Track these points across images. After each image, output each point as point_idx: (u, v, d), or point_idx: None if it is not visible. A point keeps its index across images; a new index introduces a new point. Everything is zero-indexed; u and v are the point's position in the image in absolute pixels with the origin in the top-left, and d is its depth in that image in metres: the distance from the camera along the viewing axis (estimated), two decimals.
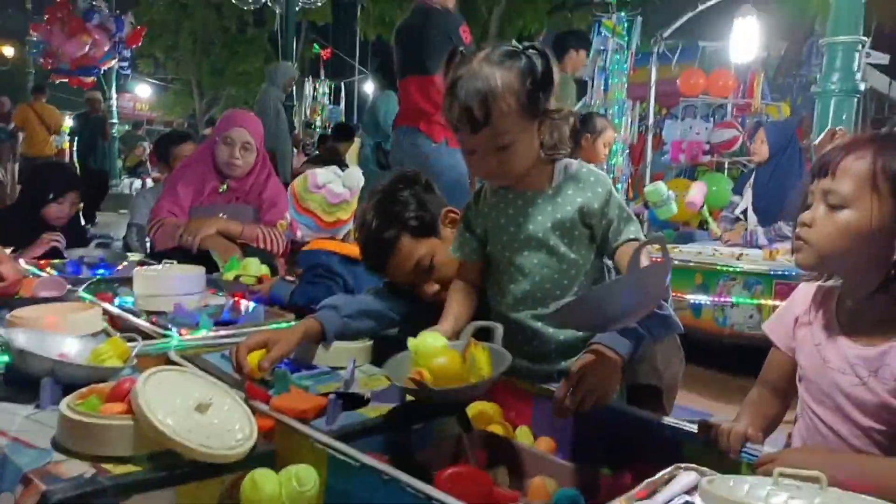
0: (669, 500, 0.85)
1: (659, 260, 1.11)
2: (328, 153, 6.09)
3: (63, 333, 1.28)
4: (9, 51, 18.34)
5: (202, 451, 0.87)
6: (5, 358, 1.16)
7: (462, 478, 0.97)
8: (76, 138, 9.45)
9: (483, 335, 1.20)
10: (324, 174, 2.00)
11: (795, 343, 1.18)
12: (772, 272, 3.13)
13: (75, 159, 9.99)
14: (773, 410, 1.22)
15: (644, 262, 1.11)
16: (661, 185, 3.98)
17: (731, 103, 5.93)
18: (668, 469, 0.95)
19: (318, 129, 11.64)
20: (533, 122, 1.22)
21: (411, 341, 1.10)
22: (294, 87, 7.90)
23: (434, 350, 1.08)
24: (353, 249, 2.01)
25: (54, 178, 2.95)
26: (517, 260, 1.32)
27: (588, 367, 1.16)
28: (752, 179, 4.17)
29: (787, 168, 3.93)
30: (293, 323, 1.58)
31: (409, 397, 1.18)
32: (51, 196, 2.84)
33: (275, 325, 1.61)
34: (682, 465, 0.96)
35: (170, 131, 5.46)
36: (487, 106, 1.15)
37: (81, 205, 3.13)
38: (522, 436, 1.23)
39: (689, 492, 0.88)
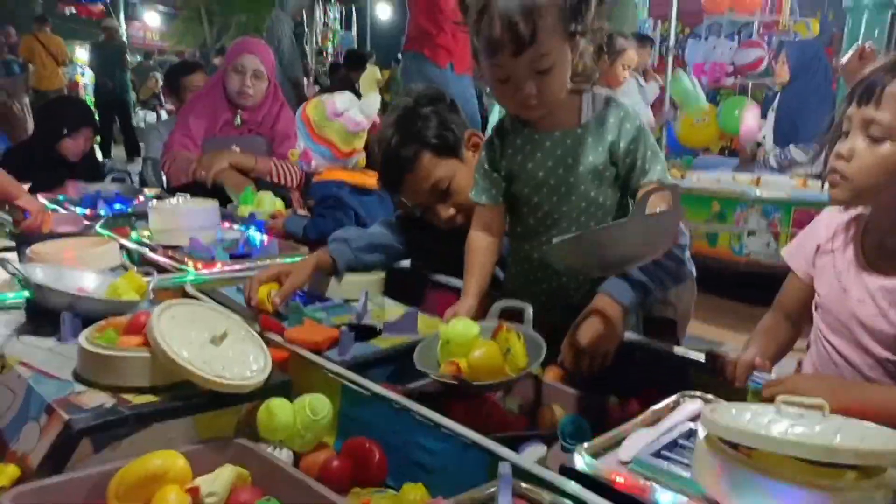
0: (673, 427, 0.87)
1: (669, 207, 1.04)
2: (341, 83, 5.97)
3: (81, 268, 1.30)
4: None
5: (217, 381, 0.89)
6: (26, 293, 1.19)
7: (470, 406, 1.00)
8: (93, 69, 9.33)
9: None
10: (343, 100, 1.93)
11: (815, 271, 1.16)
12: (791, 199, 3.07)
13: (91, 92, 9.91)
14: (785, 337, 1.23)
15: (656, 206, 1.04)
16: (683, 75, 3.83)
17: (757, 20, 5.65)
18: (674, 397, 0.96)
19: (330, 57, 11.37)
20: (571, 43, 1.09)
21: (443, 329, 1.04)
22: (304, 14, 7.69)
23: (467, 340, 1.02)
24: (363, 178, 1.99)
25: (68, 113, 2.94)
26: (545, 206, 1.24)
27: (589, 329, 1.14)
28: (775, 102, 4.05)
29: (811, 90, 3.79)
30: (306, 256, 1.59)
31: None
32: (65, 132, 2.83)
33: (289, 259, 1.63)
34: (688, 392, 0.98)
35: (180, 61, 5.32)
36: (534, 22, 1.03)
37: (98, 138, 3.12)
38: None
39: (693, 419, 0.90)
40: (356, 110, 1.92)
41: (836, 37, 5.14)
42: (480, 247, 1.26)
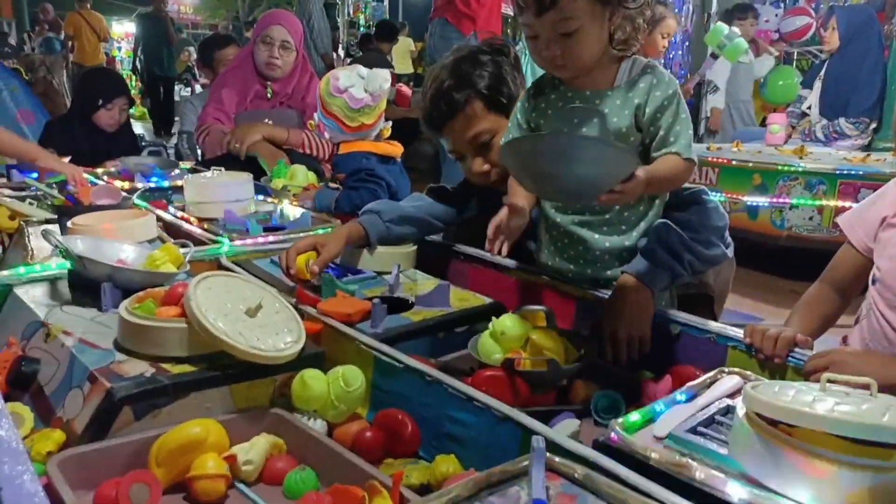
0: (710, 404, 0.85)
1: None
2: (372, 55, 5.94)
3: (120, 240, 1.33)
4: None
5: (252, 352, 0.91)
6: (68, 264, 1.21)
7: (499, 380, 0.99)
8: (137, 43, 9.14)
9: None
10: (346, 77, 1.94)
11: (876, 244, 1.12)
12: (837, 171, 2.97)
13: (128, 66, 9.98)
14: (831, 309, 1.19)
15: (662, 167, 1.09)
16: (719, 23, 3.70)
17: None
18: (711, 373, 0.95)
19: (362, 28, 11.30)
20: (605, 10, 1.11)
21: (496, 323, 1.06)
22: None
23: (520, 333, 1.05)
24: (388, 149, 2.00)
25: (102, 84, 2.98)
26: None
27: (617, 318, 1.15)
28: (822, 71, 3.89)
29: (862, 58, 3.63)
30: (338, 227, 1.59)
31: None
32: (100, 102, 2.87)
33: (322, 231, 1.63)
34: (726, 369, 0.96)
35: (212, 34, 5.34)
36: None
37: (132, 110, 3.16)
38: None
39: (730, 395, 0.88)
40: (358, 88, 1.92)
41: (889, 1, 4.90)
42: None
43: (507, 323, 1.06)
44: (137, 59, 9.34)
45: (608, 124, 1.18)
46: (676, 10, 5.20)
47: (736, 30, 3.58)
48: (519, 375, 1.00)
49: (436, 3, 3.62)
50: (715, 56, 3.71)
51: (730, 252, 1.32)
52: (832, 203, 2.95)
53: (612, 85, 1.19)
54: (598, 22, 1.11)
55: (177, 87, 12.51)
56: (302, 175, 2.17)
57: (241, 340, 0.91)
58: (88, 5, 9.11)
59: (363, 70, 1.95)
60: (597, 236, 1.28)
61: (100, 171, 2.44)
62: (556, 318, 1.17)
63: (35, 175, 2.27)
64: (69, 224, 1.46)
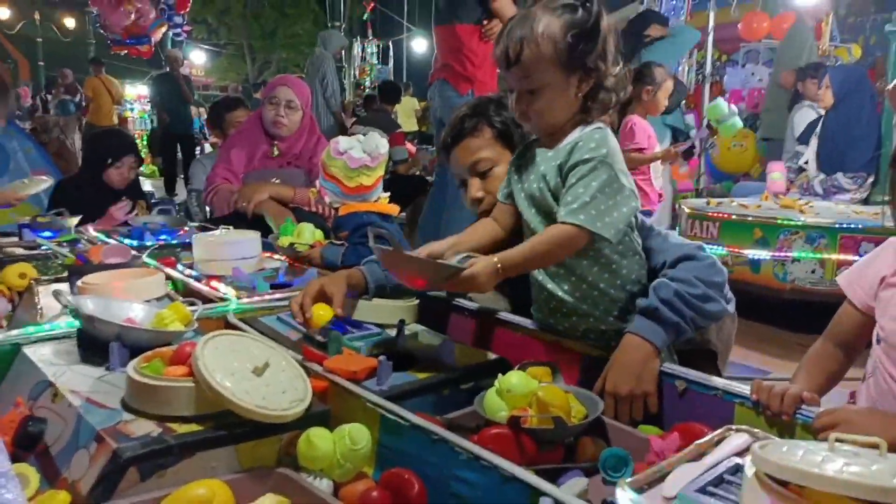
0: (718, 463, 0.84)
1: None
2: (377, 114, 6.10)
3: (129, 299, 1.34)
4: (70, 22, 18.91)
5: (259, 411, 0.91)
6: (77, 323, 1.23)
7: (506, 437, 0.99)
8: (154, 103, 9.12)
9: None
10: (346, 141, 2.04)
11: (877, 302, 1.12)
12: (837, 225, 2.99)
13: (139, 126, 10.16)
14: (836, 366, 1.19)
15: (530, 243, 1.20)
16: (720, 100, 3.83)
17: None
18: (719, 430, 0.94)
19: (366, 90, 11.61)
20: (569, 76, 1.21)
21: (501, 380, 1.07)
22: (343, 51, 7.95)
23: (528, 392, 1.05)
24: (387, 208, 2.06)
25: (111, 143, 3.05)
26: (525, 216, 1.32)
27: (621, 375, 1.18)
28: (819, 127, 3.97)
29: (855, 114, 3.72)
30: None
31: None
32: (109, 161, 2.93)
33: None
34: (734, 426, 0.95)
35: (222, 98, 5.47)
36: (521, 47, 1.19)
37: (143, 168, 3.21)
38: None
39: (739, 454, 0.88)
40: (357, 149, 2.01)
41: (879, 61, 5.04)
42: (482, 224, 1.39)
43: (512, 380, 1.06)
44: (154, 118, 9.51)
45: (546, 183, 1.26)
46: (674, 71, 5.35)
47: (735, 108, 3.73)
48: (525, 433, 0.99)
49: (434, 65, 3.77)
50: (710, 127, 3.85)
51: (731, 307, 1.34)
52: (834, 256, 2.96)
53: (558, 146, 1.27)
54: (561, 85, 1.21)
55: None
56: (309, 233, 2.20)
57: (247, 399, 0.91)
58: (103, 70, 9.48)
59: (361, 136, 2.04)
60: (559, 293, 1.33)
61: (114, 237, 2.47)
62: (562, 375, 1.17)
63: (47, 234, 2.31)
64: (79, 283, 1.48)
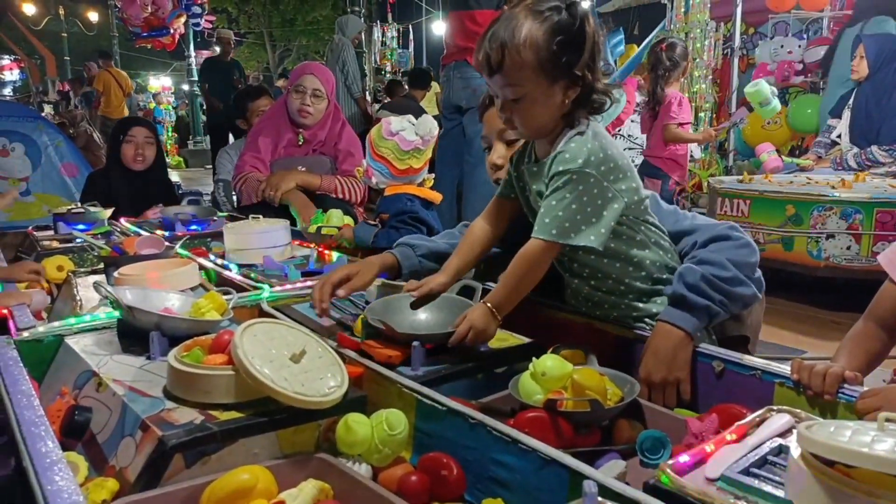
0: (761, 444, 0.83)
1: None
2: (403, 100, 6.08)
3: (165, 289, 1.36)
4: (94, 16, 19.14)
5: (298, 398, 0.92)
6: (117, 314, 1.25)
7: (542, 421, 0.99)
8: (203, 89, 8.32)
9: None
10: (398, 122, 2.03)
11: None
12: (873, 199, 2.92)
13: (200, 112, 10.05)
14: (878, 346, 1.17)
15: (511, 271, 1.19)
16: (763, 83, 3.75)
17: (827, 16, 5.43)
18: (760, 411, 0.93)
19: (387, 75, 11.57)
20: (554, 83, 1.15)
21: (536, 364, 1.06)
22: (363, 35, 7.91)
23: (563, 374, 1.05)
24: (430, 194, 2.06)
25: (120, 122, 3.10)
26: (530, 220, 1.30)
27: (654, 363, 1.19)
28: (851, 100, 3.85)
29: (891, 85, 3.60)
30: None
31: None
32: (121, 138, 2.95)
33: None
34: (775, 407, 0.94)
35: (246, 87, 5.43)
36: (502, 54, 1.13)
37: (169, 160, 3.23)
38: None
39: (782, 434, 0.86)
40: (409, 131, 2.01)
41: None
42: (475, 234, 1.38)
43: (547, 363, 1.06)
44: (201, 102, 9.37)
45: (534, 190, 1.26)
46: (698, 45, 5.24)
47: (775, 90, 3.66)
48: (561, 416, 0.99)
49: (449, 49, 3.74)
50: (750, 108, 3.78)
51: (760, 291, 1.31)
52: (870, 232, 2.89)
53: (547, 154, 1.24)
54: (546, 92, 1.16)
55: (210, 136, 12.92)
56: (338, 218, 2.22)
57: (287, 386, 0.92)
58: (112, 62, 9.62)
59: (412, 117, 2.04)
60: (576, 281, 1.35)
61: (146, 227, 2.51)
62: (597, 357, 1.17)
63: (81, 227, 2.36)
64: (116, 274, 1.50)
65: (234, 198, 3.02)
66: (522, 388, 1.07)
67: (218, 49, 7.74)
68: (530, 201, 1.32)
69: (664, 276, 1.32)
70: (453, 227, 1.71)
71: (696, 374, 1.19)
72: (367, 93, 8.60)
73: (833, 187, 3.12)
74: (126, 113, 9.70)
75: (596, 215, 1.17)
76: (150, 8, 7.95)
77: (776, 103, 3.59)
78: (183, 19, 8.47)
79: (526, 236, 1.25)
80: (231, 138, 7.86)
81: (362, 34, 7.77)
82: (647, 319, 1.32)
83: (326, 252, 1.92)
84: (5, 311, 1.37)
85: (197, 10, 8.49)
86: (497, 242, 1.40)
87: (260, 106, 3.53)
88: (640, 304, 1.33)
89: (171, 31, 8.39)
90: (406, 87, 7.76)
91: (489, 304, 1.18)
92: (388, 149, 2.00)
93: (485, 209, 1.41)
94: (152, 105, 14.50)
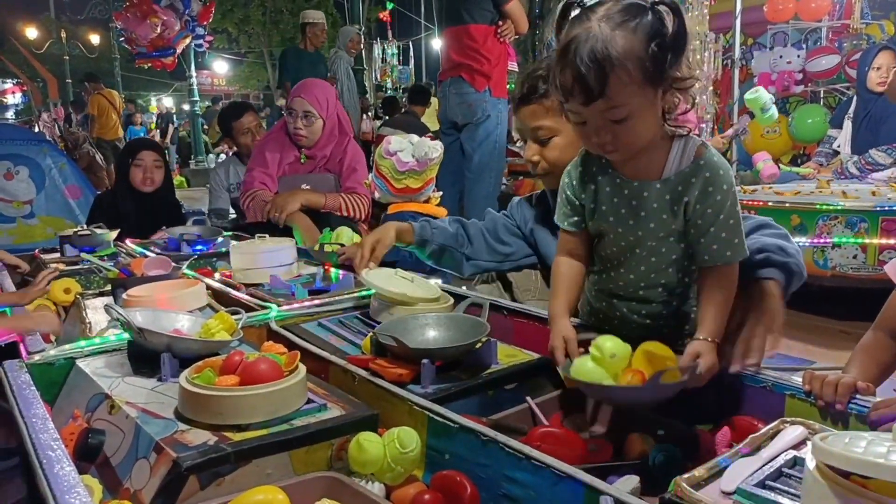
0: (775, 456, 0.83)
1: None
2: (405, 117, 6.11)
3: (175, 310, 1.37)
4: (95, 39, 19.34)
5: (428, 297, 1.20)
6: (127, 335, 1.26)
7: (554, 437, 0.99)
8: (289, 84, 7.31)
9: None
10: (397, 142, 2.05)
11: None
12: (878, 208, 2.92)
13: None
14: (889, 356, 1.16)
15: (720, 298, 1.10)
16: (762, 90, 3.77)
17: (825, 26, 5.46)
18: (774, 423, 0.93)
19: (389, 91, 11.65)
20: (656, 91, 1.04)
21: (599, 347, 1.03)
22: (363, 51, 7.94)
23: (628, 354, 1.05)
24: (434, 210, 2.08)
25: (129, 145, 3.11)
26: (613, 247, 1.22)
27: (760, 319, 1.17)
28: (851, 110, 3.87)
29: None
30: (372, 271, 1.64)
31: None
32: (130, 161, 2.98)
33: (364, 291, 1.66)
34: (788, 419, 0.94)
35: (229, 104, 4.77)
36: (604, 75, 0.99)
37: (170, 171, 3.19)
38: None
39: (796, 446, 0.86)
40: (406, 153, 2.04)
41: None
42: (564, 271, 1.25)
43: (608, 345, 1.03)
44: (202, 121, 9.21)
45: (656, 220, 1.15)
46: (697, 56, 5.27)
47: (772, 97, 3.69)
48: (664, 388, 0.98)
49: (445, 64, 3.78)
50: (752, 115, 3.79)
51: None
52: (876, 240, 2.89)
53: (661, 174, 1.13)
54: (649, 103, 1.05)
55: (212, 156, 13.01)
56: (347, 236, 2.23)
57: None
58: (101, 84, 9.72)
59: (414, 137, 2.06)
60: (635, 316, 1.28)
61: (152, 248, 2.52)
62: None
63: (87, 248, 2.37)
64: (124, 296, 1.51)
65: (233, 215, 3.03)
66: (588, 375, 1.03)
67: (305, 38, 5.91)
68: (625, 226, 1.18)
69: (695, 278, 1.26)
70: None
71: (707, 387, 1.18)
72: (371, 109, 8.63)
73: (844, 194, 3.12)
74: (121, 133, 9.79)
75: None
76: (159, 29, 8.03)
77: (774, 111, 3.62)
78: (188, 40, 8.56)
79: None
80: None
81: (363, 51, 7.83)
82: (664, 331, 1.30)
83: (332, 270, 1.92)
84: (10, 334, 1.38)
85: (200, 30, 8.57)
86: (581, 276, 1.29)
87: (244, 124, 3.46)
88: (670, 308, 1.26)
89: (177, 51, 8.47)
90: (404, 103, 7.81)
91: (709, 338, 1.08)
92: (387, 167, 2.03)
93: (558, 247, 1.29)
94: (153, 126, 14.59)
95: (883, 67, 3.71)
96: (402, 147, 2.05)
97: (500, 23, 3.58)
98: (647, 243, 1.18)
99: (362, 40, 6.89)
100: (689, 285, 1.23)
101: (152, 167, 3.00)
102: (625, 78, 1.00)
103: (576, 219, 1.24)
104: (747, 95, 3.82)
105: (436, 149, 2.07)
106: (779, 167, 4.01)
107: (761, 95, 3.62)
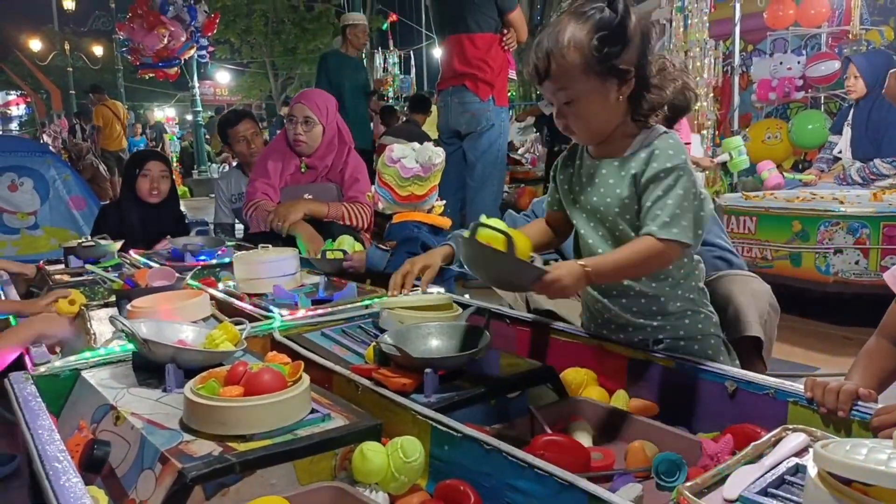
0: (777, 464, 0.83)
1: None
2: (406, 125, 6.12)
3: (179, 321, 1.38)
4: (98, 50, 19.46)
5: None
6: (131, 346, 1.26)
7: (557, 445, 0.99)
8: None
9: None
10: (400, 149, 2.06)
11: None
12: (879, 213, 2.92)
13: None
14: (891, 363, 1.17)
15: (621, 254, 1.16)
16: (738, 137, 3.84)
17: (825, 33, 5.47)
18: (776, 431, 0.93)
19: (390, 100, 11.70)
20: (605, 82, 1.16)
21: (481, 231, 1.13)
22: (364, 60, 7.97)
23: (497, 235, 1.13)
24: (438, 220, 2.09)
25: (136, 156, 3.13)
26: (581, 230, 1.31)
27: None
28: (850, 116, 3.88)
29: (887, 101, 3.63)
30: (384, 296, 1.63)
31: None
32: (136, 171, 2.99)
33: (367, 301, 1.67)
34: (790, 426, 0.94)
35: (226, 112, 4.68)
36: (548, 59, 1.16)
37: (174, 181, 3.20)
38: (619, 400, 1.24)
39: (798, 454, 0.87)
40: (410, 158, 2.04)
41: None
42: (536, 223, 1.45)
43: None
44: (205, 131, 9.18)
45: (611, 194, 1.23)
46: (698, 63, 5.28)
47: (744, 147, 3.75)
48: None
49: (446, 73, 3.77)
50: (730, 155, 3.86)
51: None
52: (878, 246, 2.89)
53: (623, 154, 1.23)
54: (599, 91, 1.17)
55: (216, 166, 13.06)
56: (349, 244, 2.24)
57: None
58: (105, 95, 9.77)
59: (416, 144, 2.07)
60: (615, 308, 1.32)
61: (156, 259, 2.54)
62: (609, 378, 1.19)
63: (92, 260, 2.38)
64: (128, 307, 1.52)
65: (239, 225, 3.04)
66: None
67: (346, 41, 5.29)
68: (582, 204, 1.29)
69: (693, 296, 1.31)
70: None
71: (709, 395, 1.19)
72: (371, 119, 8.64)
73: (841, 202, 3.13)
74: (125, 144, 9.85)
75: (701, 216, 1.19)
76: (166, 40, 8.07)
77: (744, 157, 3.71)
78: (193, 51, 8.62)
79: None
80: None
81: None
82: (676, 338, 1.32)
83: (336, 280, 1.93)
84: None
85: (204, 41, 8.63)
86: (551, 247, 1.45)
87: (240, 131, 3.46)
88: (668, 327, 1.31)
89: (182, 62, 8.52)
90: (405, 112, 7.82)
91: (584, 264, 1.14)
92: (390, 175, 2.04)
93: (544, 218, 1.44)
94: (169, 136, 14.68)
95: (849, 76, 3.82)
96: (405, 154, 2.06)
97: (505, 31, 3.60)
98: (609, 218, 1.25)
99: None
100: (666, 277, 1.28)
101: (159, 178, 3.01)
102: (564, 63, 1.15)
103: (556, 197, 1.38)
104: (725, 140, 3.91)
105: (439, 154, 2.08)
106: (782, 175, 4.02)
107: (735, 139, 3.70)
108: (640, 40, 1.15)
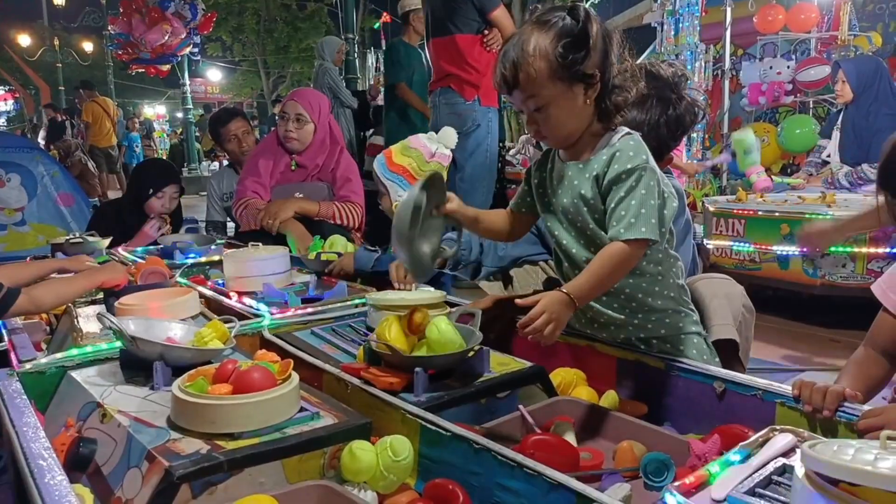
0: (765, 464, 0.84)
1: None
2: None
3: (167, 318, 1.37)
4: (88, 46, 19.31)
5: None
6: (119, 344, 1.25)
7: (547, 445, 0.99)
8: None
9: None
10: (416, 138, 2.15)
11: None
12: None
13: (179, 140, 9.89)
14: (879, 371, 1.18)
15: (595, 269, 1.16)
16: (750, 133, 3.79)
17: (814, 38, 5.51)
18: (763, 431, 0.94)
19: (382, 101, 11.67)
20: (572, 87, 1.18)
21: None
22: (357, 60, 7.94)
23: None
24: None
25: (153, 174, 3.10)
26: (556, 232, 1.32)
27: None
28: (839, 121, 3.91)
29: (876, 106, 3.66)
30: (374, 293, 1.62)
31: None
32: (151, 191, 2.98)
33: (359, 300, 1.67)
34: (777, 427, 0.95)
35: (217, 111, 4.70)
36: (515, 69, 1.18)
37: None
38: (608, 400, 1.24)
39: (786, 454, 0.87)
40: (432, 141, 2.08)
41: None
42: (500, 211, 1.44)
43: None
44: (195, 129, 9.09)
45: (576, 194, 1.25)
46: (689, 67, 5.31)
47: (758, 143, 3.70)
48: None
49: (435, 74, 3.79)
50: (734, 155, 3.82)
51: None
52: (864, 249, 2.92)
53: (588, 156, 1.25)
54: (566, 96, 1.19)
55: (205, 164, 12.99)
56: (341, 244, 2.23)
57: None
58: (96, 92, 9.70)
59: (433, 133, 2.15)
60: (597, 305, 1.34)
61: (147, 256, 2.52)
62: (598, 378, 1.19)
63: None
64: (116, 304, 1.51)
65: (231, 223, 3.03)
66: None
67: (409, 28, 4.90)
68: (554, 206, 1.31)
69: (674, 294, 1.33)
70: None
71: (697, 395, 1.19)
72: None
73: (829, 206, 3.15)
74: (114, 141, 9.77)
75: (665, 213, 1.21)
76: (168, 36, 8.04)
77: (757, 157, 3.66)
78: (189, 49, 8.58)
79: None
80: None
81: (356, 60, 7.83)
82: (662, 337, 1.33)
83: (326, 280, 1.93)
84: None
85: (197, 39, 8.60)
86: (504, 238, 1.46)
87: (231, 129, 3.43)
88: (649, 326, 1.32)
89: (178, 58, 8.48)
90: None
91: (568, 292, 1.14)
92: (412, 159, 2.06)
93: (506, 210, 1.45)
94: (160, 133, 14.58)
95: (838, 81, 3.85)
96: (426, 141, 2.11)
97: (486, 31, 3.61)
98: (580, 219, 1.26)
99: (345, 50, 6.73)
100: (641, 273, 1.30)
101: (171, 198, 3.02)
102: (531, 72, 1.17)
103: (524, 200, 1.39)
104: (735, 135, 3.85)
105: (455, 139, 2.16)
106: (771, 179, 4.04)
107: (748, 138, 3.65)
108: (603, 44, 1.18)
